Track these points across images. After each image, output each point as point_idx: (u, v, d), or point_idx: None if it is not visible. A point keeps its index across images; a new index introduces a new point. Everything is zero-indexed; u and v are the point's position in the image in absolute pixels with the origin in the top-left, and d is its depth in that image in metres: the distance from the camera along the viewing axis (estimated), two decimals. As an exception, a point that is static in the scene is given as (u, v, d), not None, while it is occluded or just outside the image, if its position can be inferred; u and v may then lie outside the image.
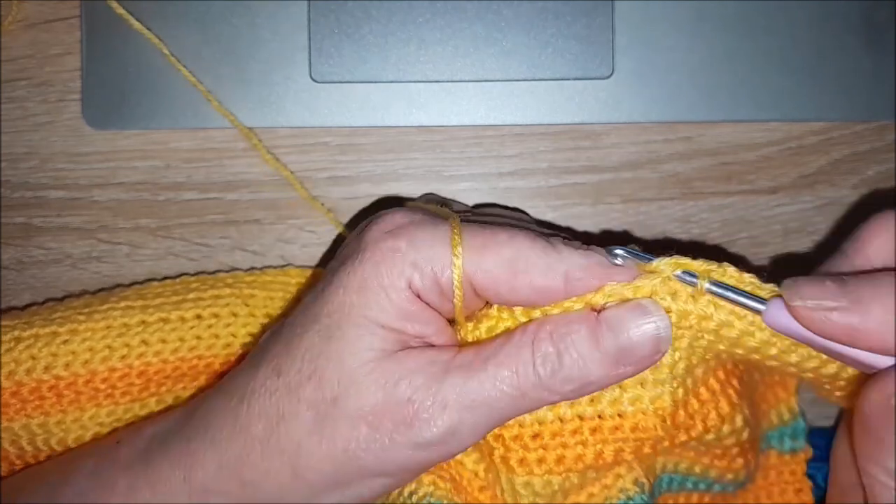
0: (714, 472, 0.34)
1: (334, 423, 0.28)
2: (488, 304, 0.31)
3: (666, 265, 0.29)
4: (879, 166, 0.40)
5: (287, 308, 0.38)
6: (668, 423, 0.31)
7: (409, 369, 0.28)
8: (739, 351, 0.30)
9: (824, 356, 0.29)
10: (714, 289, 0.28)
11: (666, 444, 0.31)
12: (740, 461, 0.34)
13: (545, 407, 0.30)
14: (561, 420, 0.31)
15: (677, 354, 0.30)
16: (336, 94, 0.40)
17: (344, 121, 0.40)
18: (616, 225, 0.41)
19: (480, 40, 0.39)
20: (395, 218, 0.30)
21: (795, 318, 0.27)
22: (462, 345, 0.30)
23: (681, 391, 0.30)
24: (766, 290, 0.28)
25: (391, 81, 0.39)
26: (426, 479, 0.32)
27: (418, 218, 0.30)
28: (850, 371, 0.29)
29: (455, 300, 0.29)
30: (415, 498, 0.31)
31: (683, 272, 0.28)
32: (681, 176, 0.40)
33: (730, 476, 0.34)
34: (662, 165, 0.40)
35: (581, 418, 0.31)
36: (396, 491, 0.32)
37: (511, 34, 0.39)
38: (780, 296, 0.27)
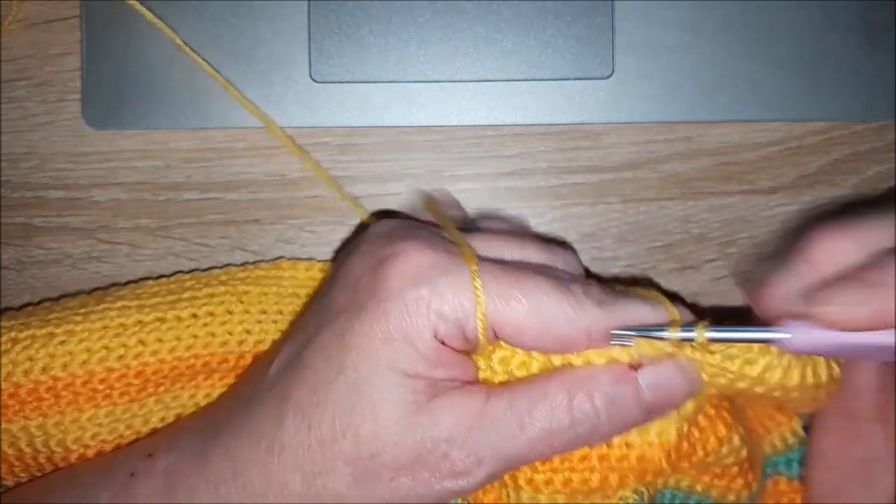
0: (715, 493, 0.34)
1: (375, 476, 0.29)
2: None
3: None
4: (879, 166, 0.40)
5: (293, 319, 0.37)
6: (672, 456, 0.31)
7: (442, 422, 0.29)
8: (756, 388, 0.30)
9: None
10: (732, 336, 0.29)
11: (669, 471, 0.32)
12: (740, 481, 0.34)
13: None
14: None
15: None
16: (336, 94, 0.40)
17: (344, 121, 0.40)
18: (616, 225, 0.41)
19: (480, 40, 0.39)
20: (415, 259, 0.29)
21: (829, 325, 0.27)
22: (491, 388, 0.30)
23: (686, 426, 0.31)
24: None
25: (391, 81, 0.39)
26: None
27: (441, 261, 0.29)
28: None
29: (479, 350, 0.30)
30: None
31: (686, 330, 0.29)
32: (681, 176, 0.40)
33: (731, 497, 0.34)
34: (662, 165, 0.40)
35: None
36: None
37: (511, 34, 0.39)
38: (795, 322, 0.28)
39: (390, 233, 0.31)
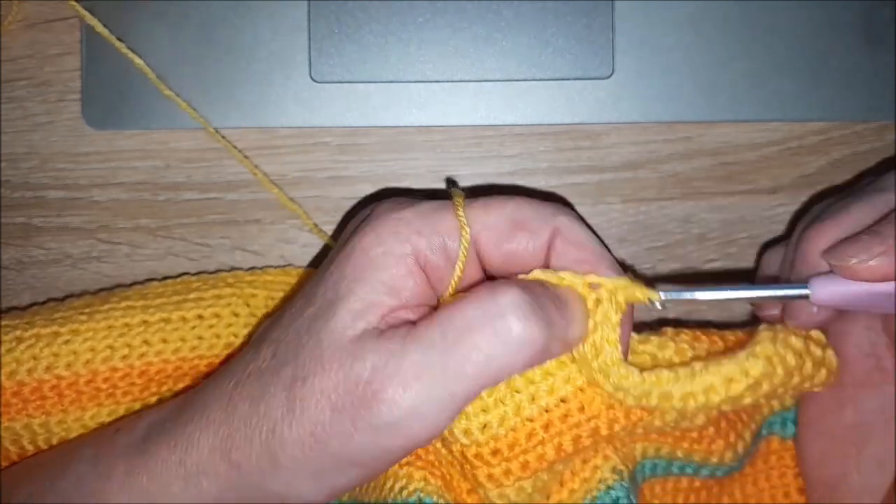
0: (697, 457, 0.34)
1: (302, 403, 0.28)
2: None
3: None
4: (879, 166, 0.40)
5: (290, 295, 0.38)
6: (610, 398, 0.30)
7: (366, 348, 0.27)
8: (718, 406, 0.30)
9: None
10: (759, 293, 0.31)
11: (622, 420, 0.30)
12: (721, 442, 0.33)
13: (494, 423, 0.29)
14: (514, 430, 0.30)
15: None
16: (336, 94, 0.40)
17: (344, 121, 0.40)
18: (616, 225, 0.41)
19: (480, 40, 0.39)
20: (396, 200, 0.31)
21: (855, 277, 0.29)
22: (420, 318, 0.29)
23: None
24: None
25: (391, 81, 0.39)
26: (417, 474, 0.31)
27: (421, 197, 0.31)
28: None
29: (461, 251, 0.29)
30: (405, 493, 0.31)
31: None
32: (681, 176, 0.40)
33: (714, 460, 0.34)
34: (662, 165, 0.40)
35: (531, 420, 0.30)
36: (388, 486, 0.32)
37: (511, 34, 0.39)
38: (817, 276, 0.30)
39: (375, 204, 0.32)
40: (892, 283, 0.29)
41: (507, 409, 0.29)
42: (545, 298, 0.28)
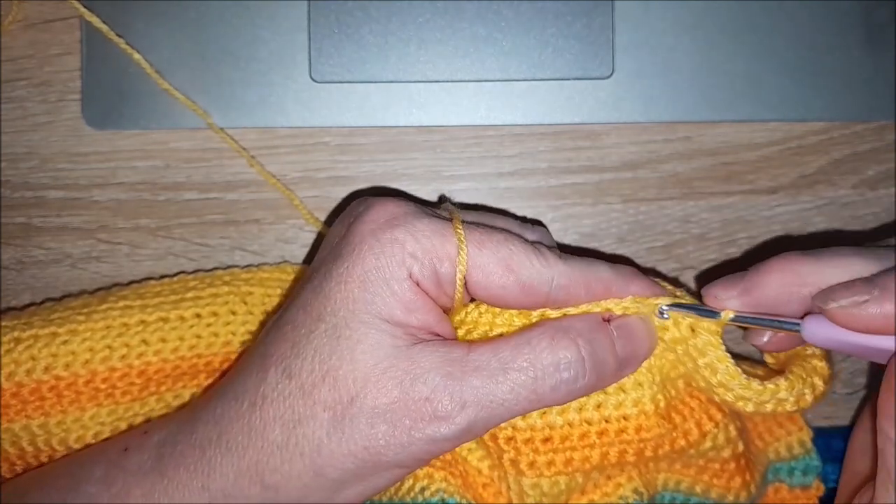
0: (714, 493, 0.34)
1: (353, 422, 0.29)
2: (474, 306, 0.32)
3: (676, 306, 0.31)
4: (879, 166, 0.40)
5: (281, 303, 0.38)
6: (667, 422, 0.32)
7: (425, 367, 0.29)
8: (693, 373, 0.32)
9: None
10: (743, 317, 0.31)
11: (666, 447, 0.32)
12: (738, 480, 0.34)
13: (556, 412, 0.32)
14: (570, 425, 0.32)
15: (653, 360, 0.32)
16: (336, 94, 0.40)
17: (344, 121, 0.40)
18: (616, 225, 0.41)
19: (480, 40, 0.39)
20: (389, 207, 0.31)
21: (835, 321, 0.28)
22: (473, 342, 0.31)
23: (673, 391, 0.32)
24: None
25: (391, 81, 0.39)
26: (437, 475, 0.32)
27: (412, 208, 0.31)
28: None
29: (457, 285, 0.30)
30: (427, 493, 0.32)
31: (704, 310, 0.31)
32: (681, 176, 0.40)
33: (730, 497, 0.34)
34: (662, 165, 0.40)
35: (589, 423, 0.32)
36: (407, 486, 0.32)
37: (511, 34, 0.39)
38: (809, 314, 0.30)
39: (366, 198, 0.32)
40: (879, 336, 0.28)
41: (571, 404, 0.32)
42: (604, 347, 0.30)
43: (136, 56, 0.39)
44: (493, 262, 0.30)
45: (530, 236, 0.33)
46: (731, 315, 0.30)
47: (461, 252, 0.29)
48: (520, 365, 0.29)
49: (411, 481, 0.33)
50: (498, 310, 0.32)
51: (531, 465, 0.32)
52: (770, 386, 0.31)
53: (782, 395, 0.31)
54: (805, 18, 0.39)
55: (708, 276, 0.40)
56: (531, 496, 0.32)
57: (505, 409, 0.29)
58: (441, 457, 0.33)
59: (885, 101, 0.39)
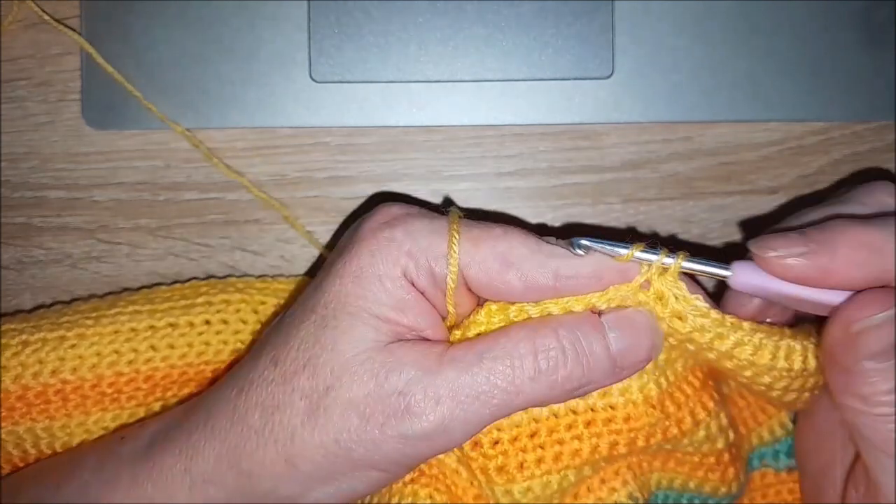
0: (709, 487, 0.34)
1: (326, 412, 0.28)
2: (478, 306, 0.31)
3: (635, 249, 0.30)
4: (879, 166, 0.40)
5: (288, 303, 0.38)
6: (658, 410, 0.31)
7: (402, 361, 0.29)
8: (709, 354, 0.30)
9: (779, 348, 0.30)
10: (686, 265, 0.30)
11: (658, 437, 0.32)
12: (731, 471, 0.34)
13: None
14: (556, 415, 0.31)
15: None
16: (336, 94, 0.40)
17: (344, 121, 0.40)
18: (616, 225, 0.41)
19: (480, 40, 0.39)
20: (392, 210, 0.31)
21: (769, 270, 0.29)
22: (454, 340, 0.31)
23: (664, 380, 0.31)
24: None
25: (391, 81, 0.39)
26: (422, 492, 0.32)
27: (414, 210, 0.31)
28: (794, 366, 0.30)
29: (448, 280, 0.30)
30: None
31: (646, 251, 0.30)
32: (681, 176, 0.40)
33: (724, 489, 0.34)
34: (662, 165, 0.40)
35: (574, 412, 0.31)
36: (393, 502, 0.32)
37: (511, 34, 0.39)
38: (741, 260, 0.30)
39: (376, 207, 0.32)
40: (804, 287, 0.29)
41: None
42: (590, 337, 0.29)
43: (109, 67, 0.39)
44: (491, 258, 0.29)
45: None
46: (641, 250, 0.29)
47: (451, 248, 0.29)
48: (496, 354, 0.29)
49: (396, 498, 0.32)
50: (513, 313, 0.30)
51: (521, 466, 0.31)
52: (775, 336, 0.30)
53: (791, 343, 0.30)
54: (805, 18, 0.39)
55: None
56: (524, 503, 0.32)
57: (482, 405, 0.28)
58: (426, 471, 0.32)
59: (885, 101, 0.39)
